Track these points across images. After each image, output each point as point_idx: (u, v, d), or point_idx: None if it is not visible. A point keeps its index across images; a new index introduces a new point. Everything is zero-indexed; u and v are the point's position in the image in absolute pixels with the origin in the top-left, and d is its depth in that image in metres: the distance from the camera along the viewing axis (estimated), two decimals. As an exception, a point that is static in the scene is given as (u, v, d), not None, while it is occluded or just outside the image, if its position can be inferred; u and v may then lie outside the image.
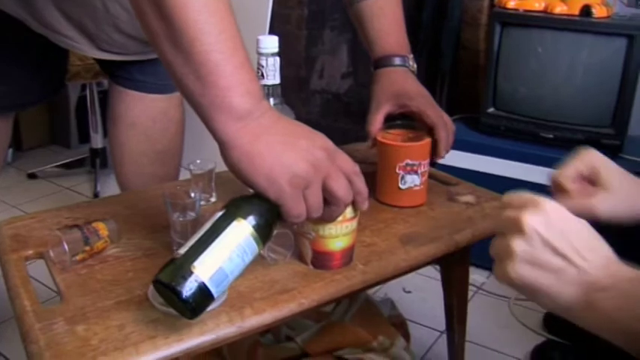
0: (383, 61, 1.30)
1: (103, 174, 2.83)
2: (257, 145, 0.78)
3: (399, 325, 1.56)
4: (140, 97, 1.44)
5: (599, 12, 1.90)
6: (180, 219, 0.95)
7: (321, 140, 0.82)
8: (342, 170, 0.83)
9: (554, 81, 1.97)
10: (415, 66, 1.31)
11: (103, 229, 0.98)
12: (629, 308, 0.62)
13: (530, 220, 0.67)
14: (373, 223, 1.10)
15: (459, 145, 1.99)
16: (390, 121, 1.26)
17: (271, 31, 2.27)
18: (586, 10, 1.89)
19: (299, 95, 3.01)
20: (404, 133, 1.24)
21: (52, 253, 0.94)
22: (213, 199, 1.17)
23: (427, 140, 1.20)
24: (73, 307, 0.84)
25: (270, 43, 0.98)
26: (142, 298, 0.85)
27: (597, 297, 0.64)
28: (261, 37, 0.98)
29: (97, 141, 2.89)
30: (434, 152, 1.22)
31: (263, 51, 0.98)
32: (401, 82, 1.27)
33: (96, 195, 2.72)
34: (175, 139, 1.52)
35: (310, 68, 3.03)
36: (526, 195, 0.70)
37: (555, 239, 0.66)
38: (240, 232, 0.78)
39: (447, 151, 1.25)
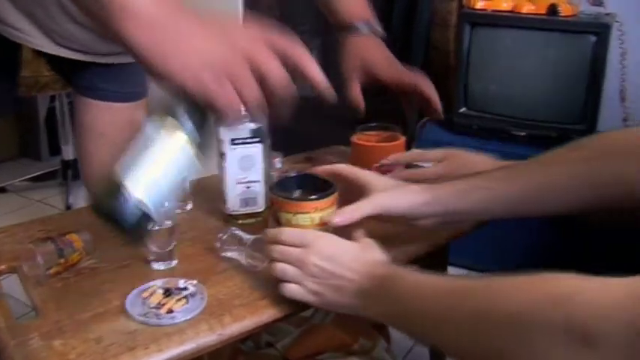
0: (348, 29, 1.28)
1: (75, 186, 2.79)
2: (164, 21, 0.69)
3: (380, 327, 1.56)
4: (106, 107, 1.41)
5: (565, 10, 1.93)
6: (156, 228, 0.94)
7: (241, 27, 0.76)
8: (272, 46, 0.75)
9: (524, 79, 1.99)
10: (379, 29, 1.30)
11: (77, 240, 0.96)
12: (390, 307, 0.78)
13: (310, 258, 0.83)
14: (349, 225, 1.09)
15: (432, 145, 2.00)
16: (364, 123, 1.26)
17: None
18: (552, 9, 1.92)
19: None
20: (378, 135, 1.24)
21: (25, 267, 0.92)
22: (189, 207, 1.16)
23: (401, 140, 1.20)
24: (49, 322, 0.82)
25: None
26: (119, 310, 0.84)
27: (367, 303, 0.80)
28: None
29: (68, 152, 2.85)
30: (431, 112, 1.21)
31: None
32: (369, 52, 1.27)
33: (68, 207, 2.68)
34: None
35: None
36: (299, 233, 0.87)
37: (330, 266, 0.82)
38: (170, 141, 0.72)
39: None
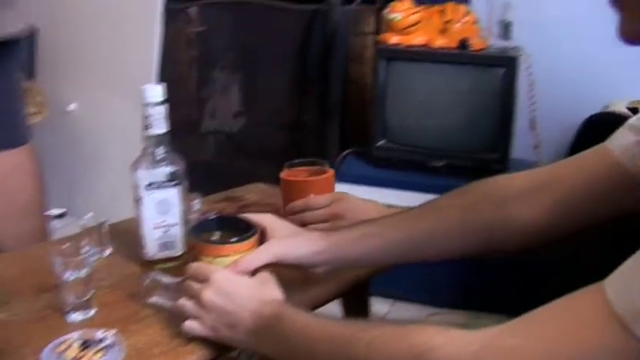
0: None
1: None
2: None
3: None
4: None
5: (475, 45, 2.00)
6: (72, 277, 0.92)
7: None
8: None
9: (440, 111, 2.05)
10: None
11: (-14, 293, 0.93)
12: (279, 346, 0.82)
13: (206, 294, 0.85)
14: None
15: (353, 178, 2.04)
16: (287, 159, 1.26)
17: (162, 74, 2.24)
18: (463, 44, 1.99)
19: (192, 137, 2.98)
20: (306, 169, 1.24)
21: None
22: (107, 252, 1.13)
23: (330, 173, 1.21)
24: (-41, 382, 0.79)
25: (155, 92, 0.98)
26: (34, 365, 0.81)
27: (259, 340, 0.84)
28: (145, 87, 0.97)
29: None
30: None
31: (148, 101, 0.97)
32: None
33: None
34: (35, 192, 1.48)
35: (202, 109, 3.01)
36: (203, 268, 0.89)
37: (225, 303, 0.85)
38: None
39: None
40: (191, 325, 0.86)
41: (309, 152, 2.36)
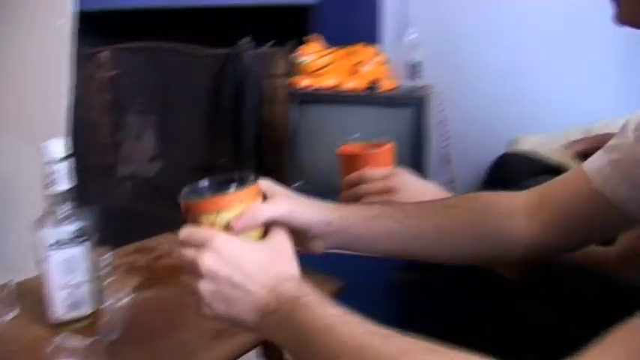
0: None
1: None
2: None
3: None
4: None
5: (385, 85, 2.05)
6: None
7: None
8: None
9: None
10: None
11: None
12: (294, 337, 0.68)
13: (206, 260, 0.71)
14: (180, 317, 1.06)
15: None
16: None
17: (75, 120, 2.19)
18: (372, 85, 2.03)
19: (107, 183, 2.92)
20: (365, 146, 1.21)
21: None
22: (13, 314, 1.09)
23: (387, 147, 1.18)
24: None
25: (57, 148, 0.95)
26: None
27: (265, 324, 0.71)
28: (46, 144, 0.94)
29: None
30: None
31: (51, 158, 0.95)
32: None
33: None
34: None
35: (117, 154, 2.96)
36: (199, 232, 0.74)
37: (230, 272, 0.71)
38: None
39: None
40: (202, 309, 0.73)
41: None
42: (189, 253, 0.73)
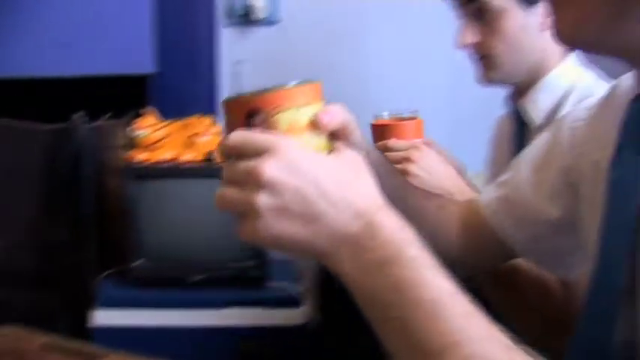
0: None
1: None
2: None
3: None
4: None
5: (222, 156, 2.04)
6: None
7: None
8: None
9: (194, 226, 2.04)
10: None
11: None
12: (381, 288, 0.55)
13: (270, 169, 0.56)
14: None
15: (111, 302, 1.96)
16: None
17: None
18: (209, 157, 2.02)
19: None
20: (396, 118, 1.33)
21: None
22: None
23: (415, 120, 1.29)
24: None
25: None
26: None
27: (353, 256, 0.57)
28: None
29: None
30: None
31: None
32: None
33: None
34: None
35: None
36: (259, 136, 0.59)
37: (301, 185, 0.56)
38: None
39: None
40: (252, 230, 0.58)
41: (66, 275, 2.25)
42: (243, 163, 0.58)
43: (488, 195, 0.97)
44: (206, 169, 2.02)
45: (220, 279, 2.00)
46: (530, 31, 1.24)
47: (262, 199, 0.56)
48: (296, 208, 0.56)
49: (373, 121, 1.32)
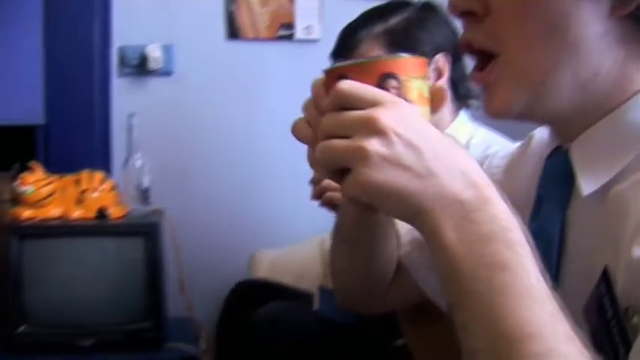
0: None
1: None
2: None
3: None
4: None
5: (115, 212, 1.96)
6: None
7: None
8: None
9: (84, 287, 1.94)
10: None
11: None
12: (475, 244, 0.54)
13: (386, 118, 0.55)
14: None
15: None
16: None
17: None
18: (101, 213, 1.93)
19: None
20: None
21: None
22: None
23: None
24: None
25: None
26: None
27: (458, 225, 0.55)
28: None
29: None
30: None
31: None
32: None
33: None
34: None
35: None
36: (376, 90, 0.59)
37: (417, 140, 0.56)
38: None
39: None
40: (359, 177, 0.56)
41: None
42: (355, 112, 0.57)
43: (405, 237, 1.00)
44: (98, 226, 1.93)
45: (111, 342, 1.89)
46: None
47: (374, 145, 0.55)
48: (408, 161, 0.55)
49: None
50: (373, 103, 0.57)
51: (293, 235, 2.26)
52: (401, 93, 0.61)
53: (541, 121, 0.75)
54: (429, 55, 1.38)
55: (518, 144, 0.90)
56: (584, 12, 0.64)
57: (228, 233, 2.32)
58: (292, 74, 2.41)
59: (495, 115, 0.70)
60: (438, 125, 1.42)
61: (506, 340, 0.51)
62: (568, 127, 0.71)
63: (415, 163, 0.55)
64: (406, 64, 0.62)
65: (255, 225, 2.33)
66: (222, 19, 2.38)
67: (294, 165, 2.30)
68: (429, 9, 1.47)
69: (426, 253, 0.93)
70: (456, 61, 1.43)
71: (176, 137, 2.34)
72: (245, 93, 2.41)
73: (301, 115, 0.67)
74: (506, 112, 0.68)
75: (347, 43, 1.44)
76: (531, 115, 0.70)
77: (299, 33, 2.42)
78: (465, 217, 0.55)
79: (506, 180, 0.86)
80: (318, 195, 1.37)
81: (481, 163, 0.92)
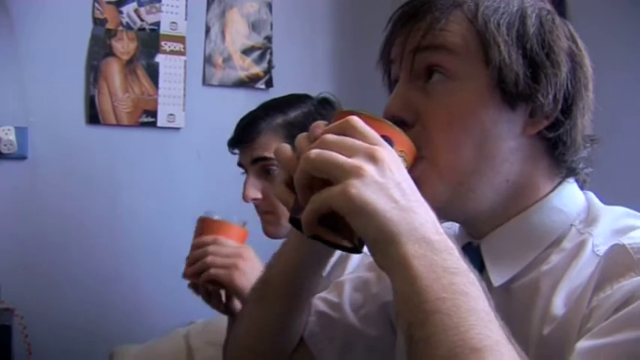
0: None
1: None
2: None
3: None
4: None
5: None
6: None
7: None
8: None
9: None
10: None
11: None
12: (441, 274, 0.62)
13: (386, 156, 0.65)
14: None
15: None
16: None
17: None
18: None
19: None
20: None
21: None
22: None
23: (246, 230, 1.39)
24: None
25: None
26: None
27: (419, 249, 0.63)
28: None
29: None
30: None
31: None
32: None
33: None
34: None
35: None
36: (379, 136, 0.68)
37: (401, 178, 0.65)
38: None
39: None
40: (349, 189, 0.62)
41: None
42: (359, 142, 0.66)
43: (313, 307, 1.03)
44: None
45: None
46: None
47: (370, 168, 0.63)
48: (395, 194, 0.64)
49: (204, 216, 1.37)
50: (375, 143, 0.66)
51: (160, 326, 2.14)
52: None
53: (457, 219, 0.86)
54: None
55: None
56: (501, 129, 0.77)
57: (86, 331, 2.16)
58: (156, 161, 2.35)
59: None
60: None
61: (469, 350, 0.57)
62: (479, 226, 0.83)
63: (400, 198, 0.64)
64: (401, 136, 0.72)
65: (115, 320, 2.19)
66: (82, 103, 2.29)
67: (156, 255, 2.23)
68: (327, 103, 1.51)
69: (329, 322, 1.00)
70: None
71: (28, 226, 2.18)
72: (106, 179, 2.30)
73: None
74: (433, 204, 0.72)
75: (248, 133, 1.45)
76: (451, 211, 0.81)
77: (160, 120, 2.39)
78: (433, 253, 0.63)
79: None
80: (197, 273, 1.29)
81: None
